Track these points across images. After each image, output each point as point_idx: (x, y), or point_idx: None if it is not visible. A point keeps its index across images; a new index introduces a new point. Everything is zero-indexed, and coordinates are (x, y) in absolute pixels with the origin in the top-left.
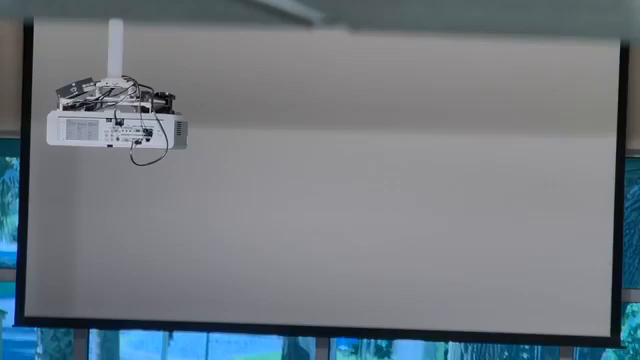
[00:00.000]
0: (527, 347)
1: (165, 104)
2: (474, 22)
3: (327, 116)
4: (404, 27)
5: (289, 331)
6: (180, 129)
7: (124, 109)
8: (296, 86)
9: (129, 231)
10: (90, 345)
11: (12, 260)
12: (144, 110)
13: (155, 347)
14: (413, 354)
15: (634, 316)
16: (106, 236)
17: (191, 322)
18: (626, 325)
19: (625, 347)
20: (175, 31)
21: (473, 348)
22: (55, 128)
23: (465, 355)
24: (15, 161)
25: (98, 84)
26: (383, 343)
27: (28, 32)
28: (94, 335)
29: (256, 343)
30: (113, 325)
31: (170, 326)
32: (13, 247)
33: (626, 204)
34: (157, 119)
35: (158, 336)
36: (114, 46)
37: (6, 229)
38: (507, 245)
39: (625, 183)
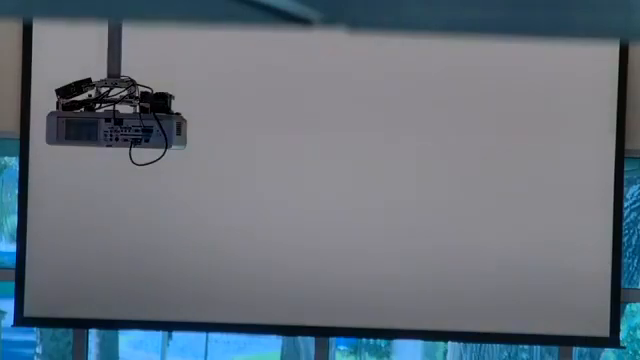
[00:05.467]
0: (526, 347)
1: (164, 104)
2: (474, 22)
3: (327, 116)
4: (403, 27)
5: (288, 331)
6: (179, 129)
7: (123, 109)
8: (296, 86)
9: (128, 231)
10: (89, 345)
11: (11, 260)
12: (143, 110)
13: (154, 347)
14: (412, 354)
15: (633, 316)
16: (105, 236)
17: (190, 322)
18: (625, 325)
19: (624, 347)
20: (175, 31)
21: (472, 348)
22: (54, 128)
23: (464, 355)
24: (14, 161)
25: (97, 84)
26: (382, 343)
27: (28, 32)
28: (93, 335)
29: (255, 343)
30: (112, 325)
31: (169, 326)
32: (12, 247)
33: (625, 204)
34: (156, 119)
35: (157, 336)
36: (113, 46)
37: (5, 229)
38: (507, 245)
39: (624, 183)
